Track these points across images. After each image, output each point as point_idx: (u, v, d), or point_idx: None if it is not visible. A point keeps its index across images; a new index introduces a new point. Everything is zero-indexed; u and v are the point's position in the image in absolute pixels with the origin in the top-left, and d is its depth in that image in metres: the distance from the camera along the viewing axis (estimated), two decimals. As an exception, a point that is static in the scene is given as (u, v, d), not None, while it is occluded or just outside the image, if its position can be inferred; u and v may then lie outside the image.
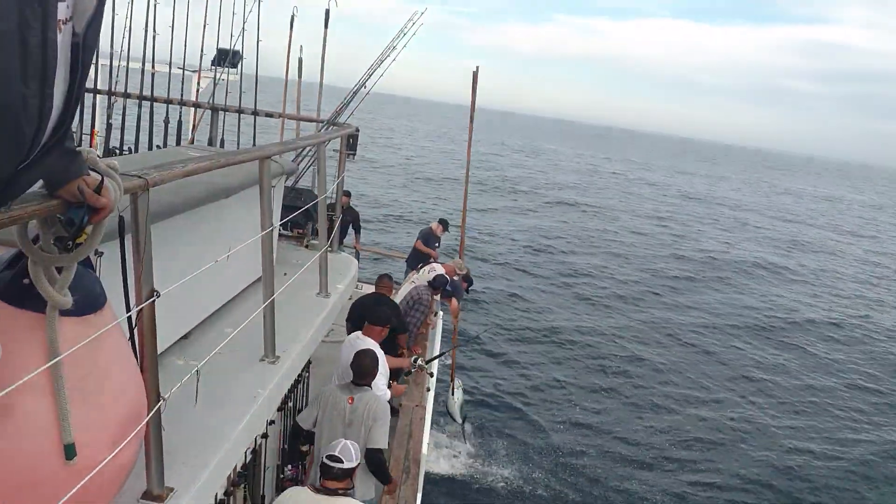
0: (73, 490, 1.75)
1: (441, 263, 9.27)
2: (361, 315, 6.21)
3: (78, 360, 1.79)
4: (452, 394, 9.77)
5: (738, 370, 15.01)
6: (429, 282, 8.15)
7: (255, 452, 4.01)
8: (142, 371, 2.10)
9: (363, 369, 4.79)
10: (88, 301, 1.84)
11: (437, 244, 11.10)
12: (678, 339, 16.46)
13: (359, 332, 5.84)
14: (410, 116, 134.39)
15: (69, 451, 1.76)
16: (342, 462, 3.86)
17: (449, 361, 10.11)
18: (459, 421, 9.83)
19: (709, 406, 12.88)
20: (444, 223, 11.28)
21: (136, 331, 2.12)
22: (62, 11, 1.22)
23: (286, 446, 5.09)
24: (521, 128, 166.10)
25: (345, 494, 3.85)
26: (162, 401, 2.20)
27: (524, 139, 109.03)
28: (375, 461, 4.65)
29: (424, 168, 44.77)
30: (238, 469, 3.80)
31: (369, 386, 4.83)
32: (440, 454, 9.72)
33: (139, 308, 2.06)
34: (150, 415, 2.12)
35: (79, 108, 6.29)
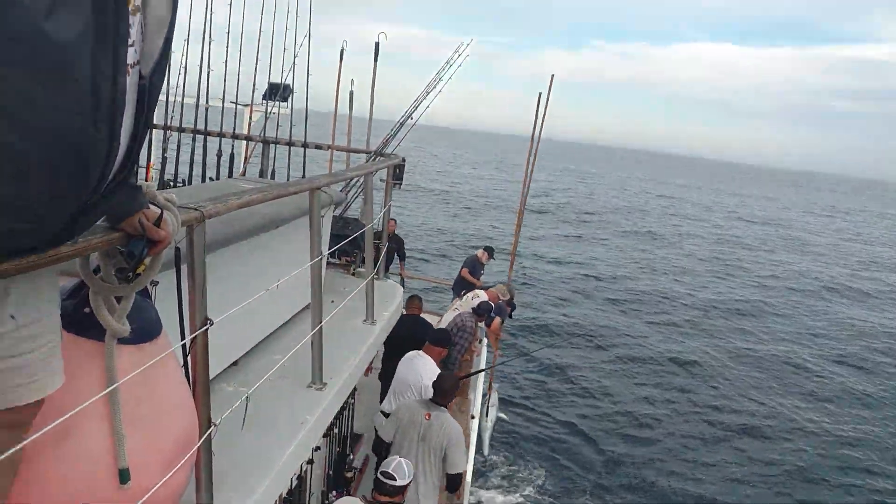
0: (127, 514, 1.80)
1: (484, 289, 9.27)
2: (398, 335, 6.29)
3: (134, 387, 1.84)
4: (486, 415, 9.64)
5: (821, 400, 14.30)
6: (473, 308, 8.14)
7: (301, 478, 4.04)
8: (194, 397, 2.15)
9: (445, 391, 5.13)
10: (145, 330, 1.90)
11: (482, 272, 11.13)
12: (757, 366, 15.85)
13: (419, 351, 6.14)
14: (453, 146, 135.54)
15: (123, 476, 1.81)
16: (395, 480, 4.14)
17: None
18: (486, 451, 9.66)
19: (803, 437, 12.35)
20: (489, 250, 11.31)
21: (189, 358, 2.18)
22: (130, 56, 1.29)
23: (331, 472, 5.13)
24: (562, 154, 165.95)
25: None
26: (213, 426, 2.24)
27: (569, 164, 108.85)
28: (455, 484, 5.07)
29: (470, 195, 45.02)
30: (284, 495, 3.83)
31: (446, 407, 5.15)
32: (486, 482, 9.60)
33: (193, 336, 2.11)
34: (202, 440, 2.16)
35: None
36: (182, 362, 2.17)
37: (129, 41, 1.27)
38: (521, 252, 24.25)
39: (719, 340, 17.53)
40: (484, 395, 9.31)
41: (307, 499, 4.24)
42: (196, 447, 2.11)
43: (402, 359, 6.11)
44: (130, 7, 1.26)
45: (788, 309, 22.22)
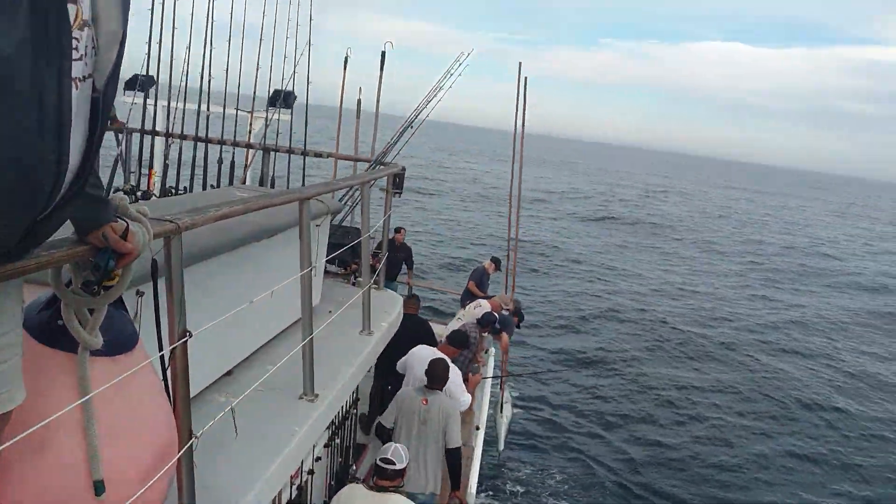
0: (103, 526, 1.79)
1: (487, 299, 9.24)
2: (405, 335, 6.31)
3: (109, 400, 1.84)
4: (501, 411, 9.62)
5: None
6: (477, 319, 8.10)
7: (301, 489, 4.03)
8: (174, 409, 2.14)
9: (437, 376, 5.50)
10: (119, 342, 1.90)
11: (488, 283, 11.13)
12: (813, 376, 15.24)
13: (435, 349, 6.46)
14: (464, 142, 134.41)
15: (98, 488, 1.81)
16: (394, 464, 4.36)
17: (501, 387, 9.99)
18: (501, 447, 9.68)
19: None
20: (496, 261, 11.34)
21: (168, 370, 2.17)
22: (80, 69, 1.30)
23: (333, 482, 5.12)
24: (572, 152, 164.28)
25: (395, 491, 4.35)
26: (194, 438, 2.23)
27: (586, 163, 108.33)
28: (454, 459, 5.46)
29: (484, 193, 44.52)
30: None
31: (441, 390, 5.52)
32: (502, 488, 9.52)
33: (172, 348, 2.11)
34: (182, 452, 2.15)
35: (142, 148, 6.64)
36: (162, 375, 2.17)
37: (77, 55, 1.28)
38: (554, 256, 23.56)
39: (754, 362, 16.70)
40: (495, 399, 9.31)
41: None
42: (174, 459, 2.10)
43: (415, 355, 6.23)
44: (77, 22, 1.27)
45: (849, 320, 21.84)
